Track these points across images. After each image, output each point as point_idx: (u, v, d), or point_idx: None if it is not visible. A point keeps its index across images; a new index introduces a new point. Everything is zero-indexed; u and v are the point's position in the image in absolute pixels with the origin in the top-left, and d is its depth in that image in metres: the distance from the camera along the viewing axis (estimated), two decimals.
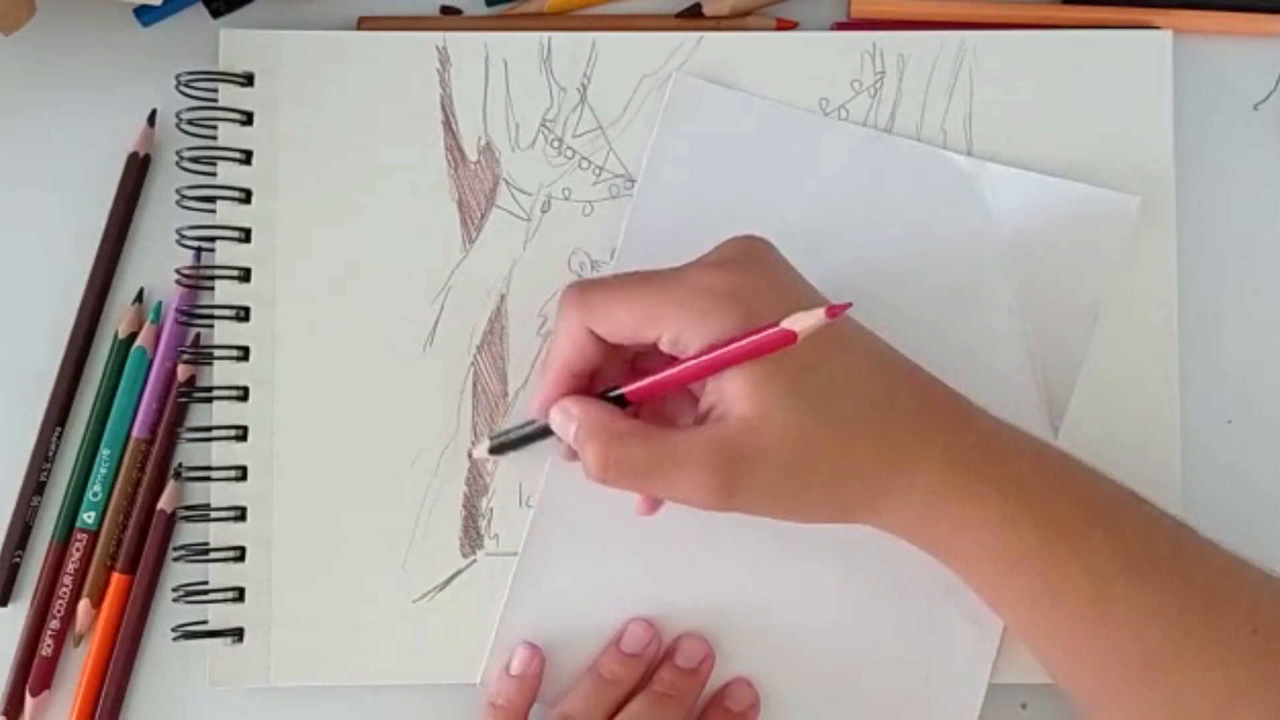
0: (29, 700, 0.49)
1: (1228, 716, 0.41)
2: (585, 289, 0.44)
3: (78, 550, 0.49)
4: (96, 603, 0.49)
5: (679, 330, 0.41)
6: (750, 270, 0.42)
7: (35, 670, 0.49)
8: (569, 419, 0.43)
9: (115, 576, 0.49)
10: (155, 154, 0.51)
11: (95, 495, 0.50)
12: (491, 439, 0.48)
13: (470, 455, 0.49)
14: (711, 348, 0.41)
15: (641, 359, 0.46)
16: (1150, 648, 0.42)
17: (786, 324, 0.38)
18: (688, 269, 0.43)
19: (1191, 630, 0.41)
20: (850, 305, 0.38)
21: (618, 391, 0.44)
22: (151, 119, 0.51)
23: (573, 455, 0.44)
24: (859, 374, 0.42)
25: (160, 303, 0.51)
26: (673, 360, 0.42)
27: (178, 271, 0.50)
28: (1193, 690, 0.41)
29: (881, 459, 0.42)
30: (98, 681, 0.49)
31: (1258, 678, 0.41)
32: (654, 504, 0.46)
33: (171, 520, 0.50)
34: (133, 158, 0.51)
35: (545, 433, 0.45)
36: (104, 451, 0.50)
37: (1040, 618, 0.43)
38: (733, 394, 0.41)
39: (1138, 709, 0.43)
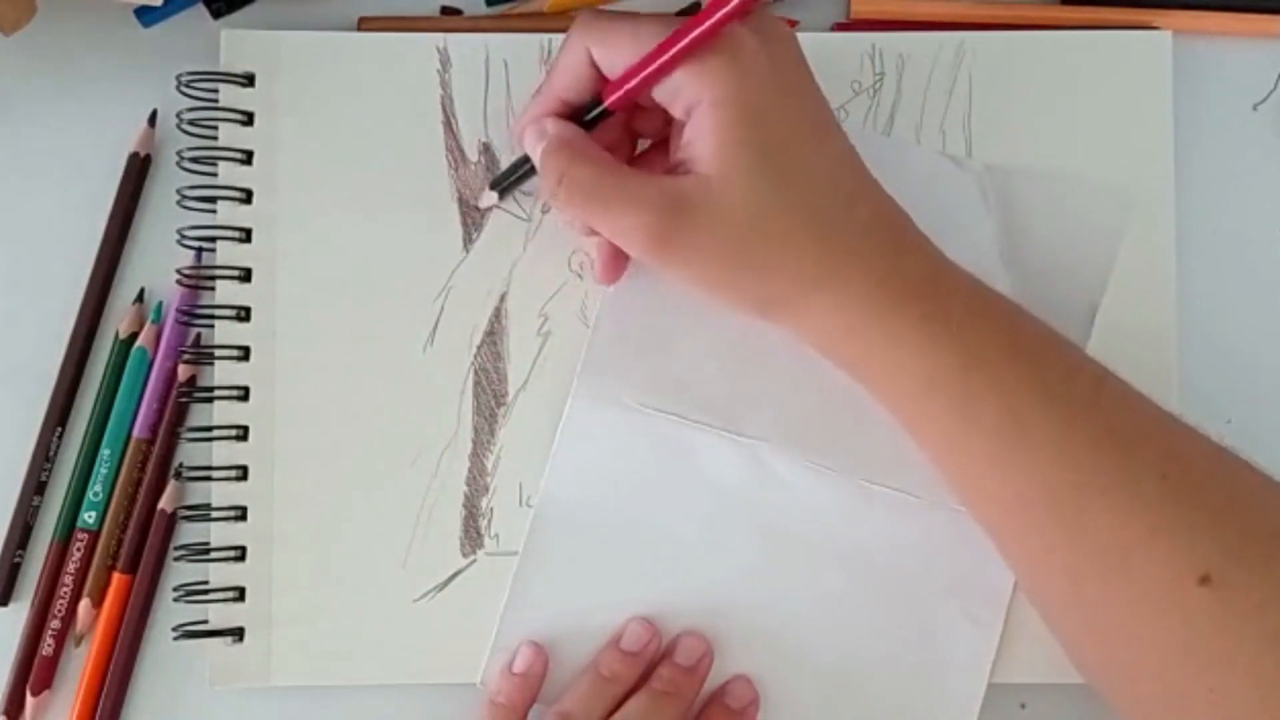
0: (29, 700, 0.49)
1: (1128, 557, 0.40)
2: (597, 14, 0.44)
3: (78, 550, 0.49)
4: (97, 602, 0.49)
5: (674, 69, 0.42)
6: (754, 37, 0.42)
7: (36, 670, 0.49)
8: (540, 135, 0.44)
9: (116, 576, 0.49)
10: (155, 154, 0.51)
11: (96, 495, 0.50)
12: (491, 182, 0.49)
13: (480, 208, 0.50)
14: (678, 34, 0.41)
15: (638, 121, 0.47)
16: (1057, 481, 0.41)
17: None
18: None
19: (1100, 467, 0.41)
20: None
21: (597, 110, 0.44)
22: (152, 119, 0.51)
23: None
24: (826, 171, 0.43)
25: (161, 303, 0.51)
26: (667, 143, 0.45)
27: (178, 271, 0.50)
28: (1095, 527, 0.41)
29: (820, 259, 0.42)
30: (98, 681, 0.49)
31: (1162, 522, 0.40)
32: (613, 267, 0.48)
33: (172, 520, 0.50)
34: (133, 158, 0.51)
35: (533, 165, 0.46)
36: (104, 451, 0.50)
37: (953, 445, 0.43)
38: (701, 151, 0.42)
39: (1042, 544, 0.42)
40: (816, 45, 0.50)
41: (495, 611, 0.49)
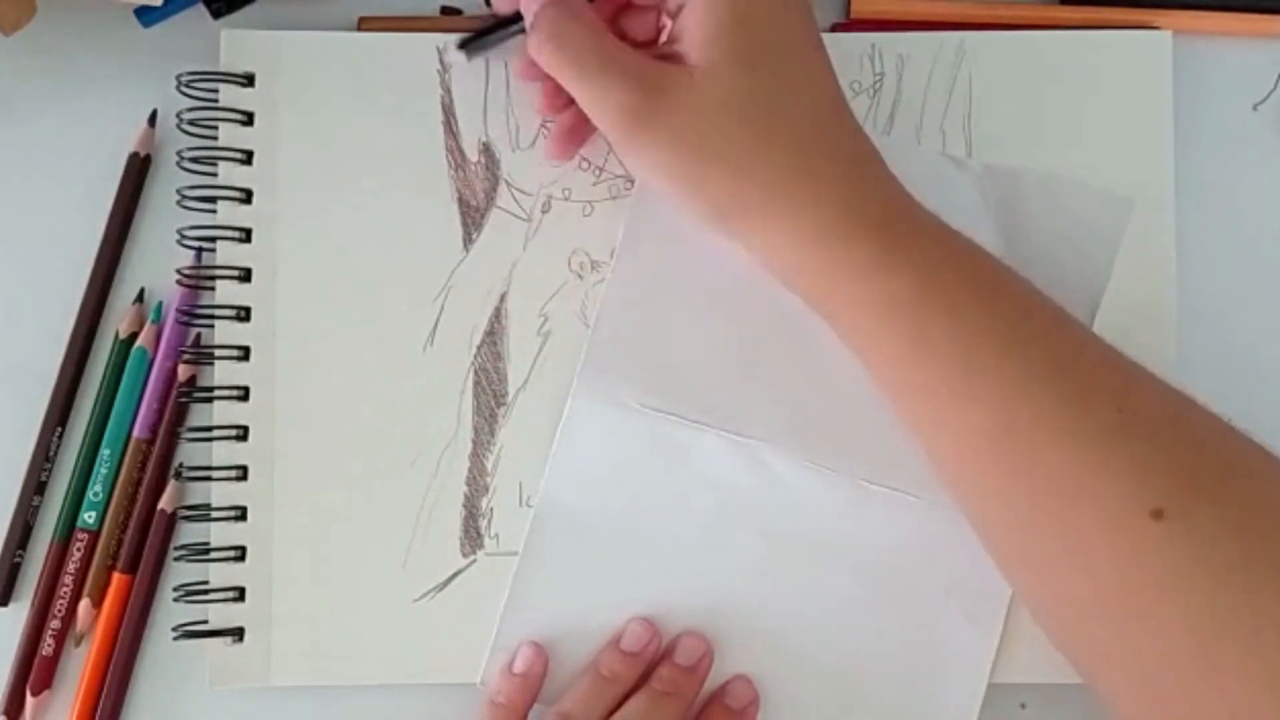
0: (29, 700, 0.49)
1: (1080, 488, 0.40)
2: None
3: (78, 550, 0.49)
4: (97, 602, 0.49)
5: None
6: None
7: (36, 670, 0.49)
8: None
9: (116, 576, 0.49)
10: (155, 154, 0.51)
11: (96, 495, 0.50)
12: (460, 39, 0.48)
13: (443, 60, 0.50)
14: None
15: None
16: (1014, 413, 0.41)
17: None
18: None
19: (1057, 401, 0.41)
20: None
21: None
22: (152, 119, 0.51)
23: (531, 68, 0.46)
24: (807, 87, 0.43)
25: (161, 303, 0.51)
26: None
27: (178, 271, 0.50)
28: (1047, 460, 0.41)
29: (793, 171, 0.42)
30: (98, 681, 0.49)
31: (1115, 455, 0.40)
32: (569, 141, 0.49)
33: (172, 520, 0.50)
34: (133, 158, 0.51)
35: (511, 22, 0.46)
36: (104, 451, 0.50)
37: (907, 373, 0.43)
38: (688, 44, 0.43)
39: (996, 477, 0.42)
40: None
41: (495, 611, 0.49)
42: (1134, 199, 0.50)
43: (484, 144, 0.50)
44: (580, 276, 0.50)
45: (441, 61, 0.50)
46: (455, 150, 0.50)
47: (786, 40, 0.43)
